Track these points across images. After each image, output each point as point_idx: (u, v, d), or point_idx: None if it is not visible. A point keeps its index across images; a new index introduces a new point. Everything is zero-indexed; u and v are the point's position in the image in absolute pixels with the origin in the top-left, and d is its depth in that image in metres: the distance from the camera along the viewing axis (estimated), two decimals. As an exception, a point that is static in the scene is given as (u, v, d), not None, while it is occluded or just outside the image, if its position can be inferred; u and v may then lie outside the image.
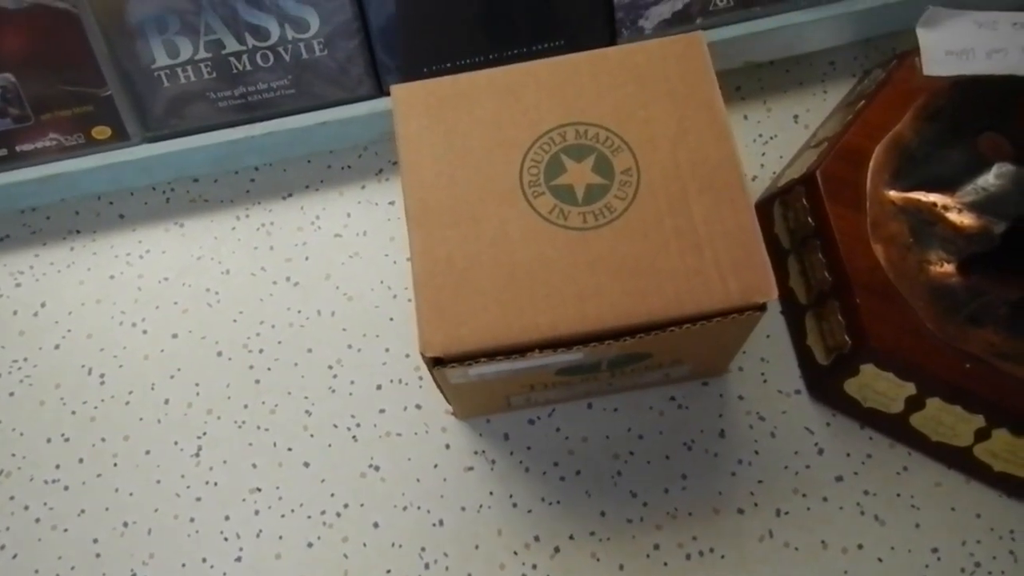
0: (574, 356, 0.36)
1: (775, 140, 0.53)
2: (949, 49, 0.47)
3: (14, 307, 0.51)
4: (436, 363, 0.35)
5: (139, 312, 0.51)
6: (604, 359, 0.38)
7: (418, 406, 0.47)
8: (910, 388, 0.42)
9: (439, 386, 0.40)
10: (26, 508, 0.46)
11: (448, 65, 0.49)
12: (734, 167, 0.37)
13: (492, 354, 0.35)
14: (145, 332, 0.50)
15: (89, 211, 0.53)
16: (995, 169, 0.42)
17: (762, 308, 0.35)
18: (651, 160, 0.37)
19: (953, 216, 0.43)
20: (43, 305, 0.51)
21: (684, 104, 0.37)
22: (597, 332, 0.35)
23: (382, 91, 0.50)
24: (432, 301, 0.35)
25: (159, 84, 0.49)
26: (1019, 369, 0.40)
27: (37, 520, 0.46)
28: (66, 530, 0.46)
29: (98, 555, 0.45)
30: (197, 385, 0.49)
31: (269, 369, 0.49)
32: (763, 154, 0.52)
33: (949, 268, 0.42)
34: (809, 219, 0.45)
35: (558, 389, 0.43)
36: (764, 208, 0.50)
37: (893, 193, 0.44)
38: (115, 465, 0.47)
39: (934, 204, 0.43)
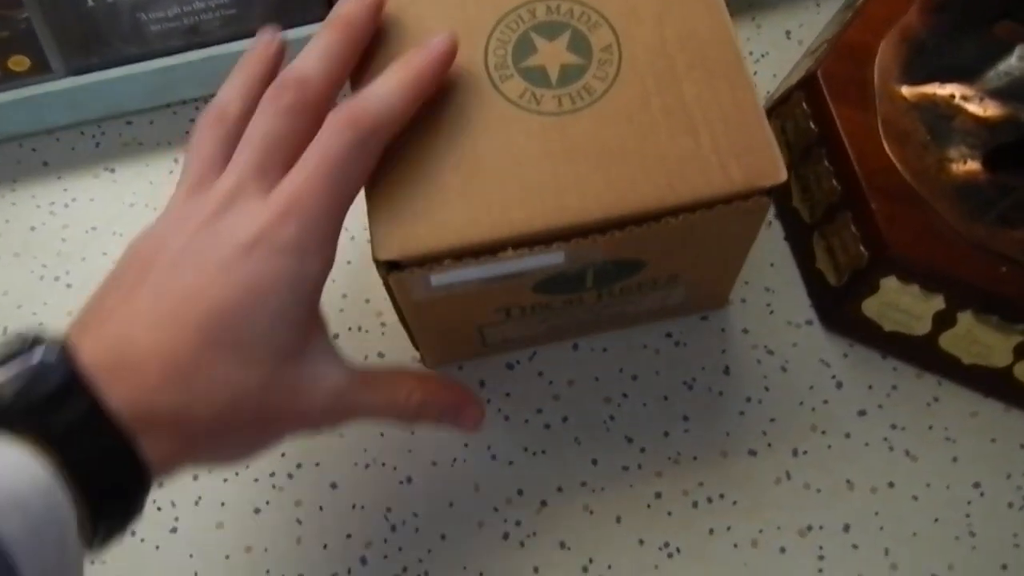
0: (554, 258, 0.31)
1: (767, 58, 0.48)
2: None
3: (-80, 264, 0.45)
4: (392, 268, 0.30)
5: (63, 265, 0.45)
6: (590, 268, 0.32)
7: (380, 354, 0.41)
8: (938, 302, 0.37)
9: (401, 316, 0.35)
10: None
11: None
12: (728, 40, 0.32)
13: (458, 255, 0.29)
14: (69, 286, 0.44)
15: (8, 158, 0.47)
16: (1019, 51, 0.38)
17: (769, 194, 0.30)
18: (633, 35, 0.32)
19: (974, 107, 0.38)
20: (-46, 260, 0.45)
21: None
22: (580, 226, 0.30)
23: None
24: (385, 197, 0.30)
25: (83, 4, 0.44)
26: (1061, 269, 0.36)
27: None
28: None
29: (8, 534, 0.38)
30: (128, 341, 0.43)
31: (211, 320, 0.43)
32: (755, 72, 0.48)
33: (973, 165, 0.38)
34: (812, 125, 0.41)
35: (538, 317, 0.37)
36: (760, 126, 0.45)
37: (904, 88, 0.39)
38: (31, 432, 0.41)
39: (951, 96, 0.39)
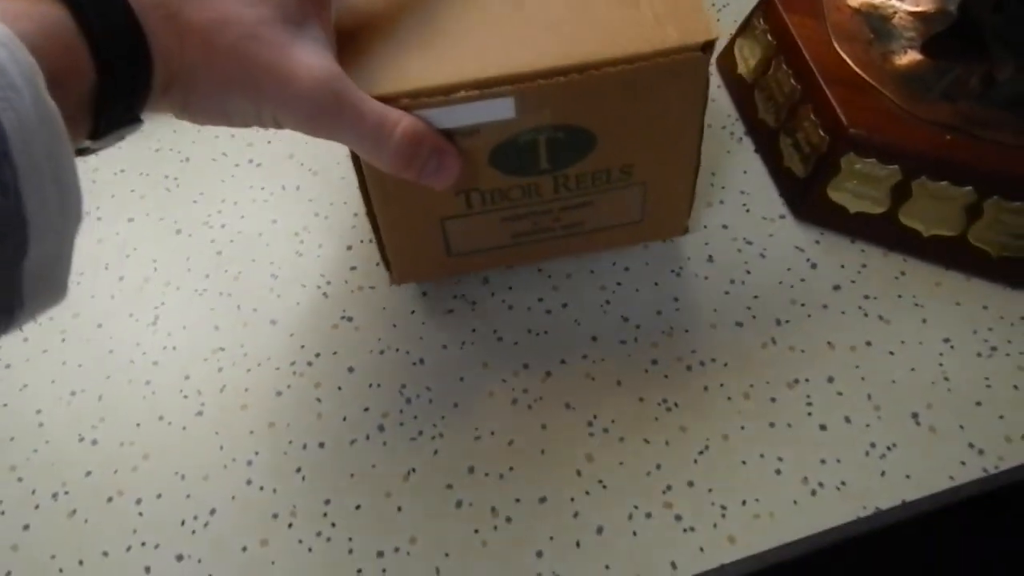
0: (504, 106, 0.32)
1: (728, 8, 0.54)
2: None
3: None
4: None
5: (93, 201, 0.48)
6: (541, 137, 0.34)
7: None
8: (895, 173, 0.41)
9: (370, 208, 0.37)
10: (-39, 389, 0.42)
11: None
12: None
13: (414, 96, 0.31)
14: (99, 219, 0.48)
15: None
16: (941, -43, 0.44)
17: (705, 50, 0.32)
18: None
19: (908, 5, 0.44)
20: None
21: None
22: (527, 74, 0.32)
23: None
24: (349, 51, 0.32)
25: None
26: (999, 135, 0.40)
27: (-27, 399, 0.42)
28: (5, 405, 0.41)
29: (41, 424, 0.40)
30: (154, 261, 0.46)
31: (231, 241, 0.46)
32: (718, 20, 0.53)
33: (913, 54, 0.43)
34: (769, 38, 0.46)
35: (499, 215, 0.37)
36: (726, 57, 0.50)
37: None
38: (63, 341, 0.43)
39: (888, 0, 0.44)
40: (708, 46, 0.32)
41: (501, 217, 0.38)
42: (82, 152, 0.26)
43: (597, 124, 0.34)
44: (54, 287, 0.25)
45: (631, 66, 0.32)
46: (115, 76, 0.25)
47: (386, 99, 0.31)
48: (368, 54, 0.32)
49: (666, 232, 0.43)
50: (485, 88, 0.32)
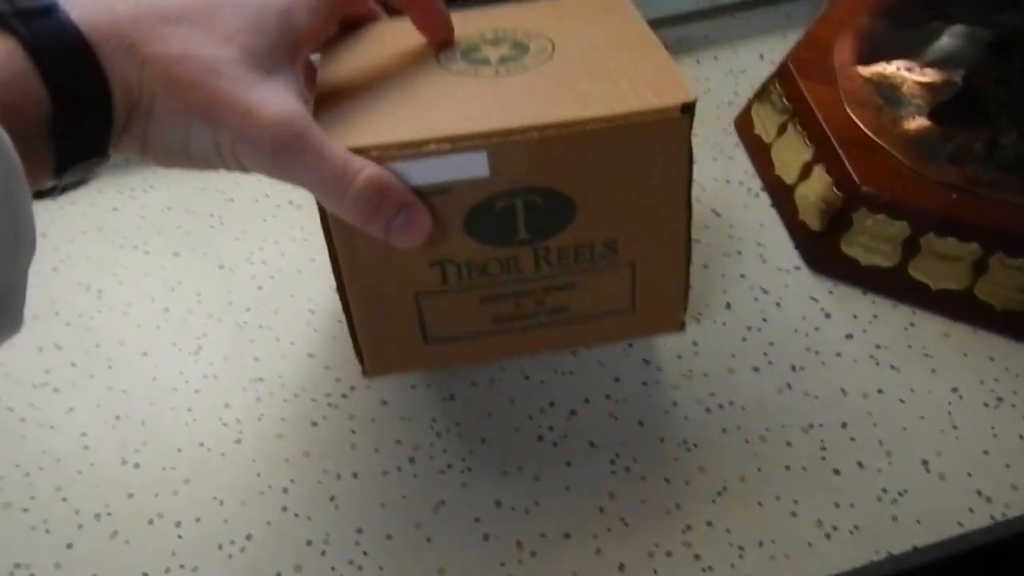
0: (478, 163, 0.31)
1: (745, 74, 0.57)
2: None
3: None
4: None
5: (141, 236, 0.51)
6: (519, 201, 0.32)
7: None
8: (904, 229, 0.43)
9: (339, 279, 0.35)
10: (10, 410, 0.44)
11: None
12: (648, 36, 0.35)
13: (385, 148, 0.30)
14: (147, 253, 0.50)
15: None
16: (948, 31, 0.47)
17: (684, 112, 0.31)
18: (567, 40, 0.36)
19: (917, 76, 0.47)
20: (43, 235, 0.51)
21: (598, 19, 0.37)
22: (502, 130, 0.31)
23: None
24: (325, 108, 0.33)
25: None
26: (1003, 195, 0.42)
27: (22, 420, 0.43)
28: (52, 427, 0.43)
29: (86, 447, 0.42)
30: (198, 294, 0.48)
31: (272, 277, 0.49)
32: (736, 84, 0.56)
33: (921, 120, 0.45)
34: (786, 102, 0.49)
35: (477, 292, 0.35)
36: (744, 119, 0.53)
37: (860, 68, 0.48)
38: (109, 367, 0.45)
39: (898, 70, 0.47)
40: (688, 108, 0.31)
41: (480, 297, 0.35)
42: (50, 192, 0.26)
43: (576, 189, 0.32)
44: (8, 318, 0.24)
45: (609, 124, 0.31)
46: (70, 103, 0.24)
47: (356, 151, 0.30)
48: (343, 111, 0.32)
49: (661, 326, 0.39)
50: (457, 143, 0.30)
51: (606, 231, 0.34)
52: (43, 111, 0.24)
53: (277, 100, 0.28)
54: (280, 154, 0.28)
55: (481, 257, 0.34)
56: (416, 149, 0.30)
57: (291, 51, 0.30)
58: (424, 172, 0.31)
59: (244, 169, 0.29)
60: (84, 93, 0.25)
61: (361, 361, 0.38)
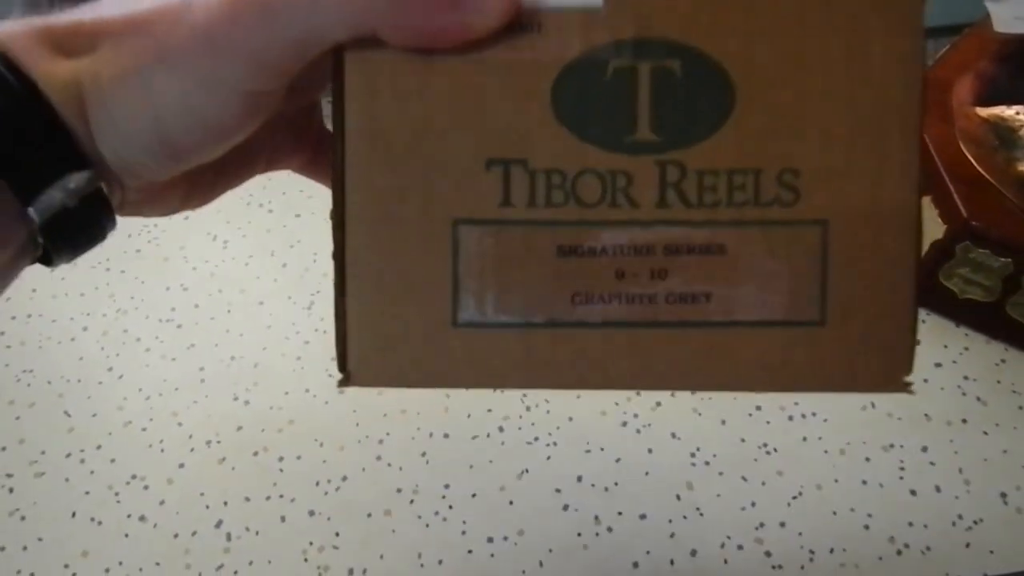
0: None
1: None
2: (1017, 15, 0.54)
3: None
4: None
5: (267, 196, 0.55)
6: (643, 66, 0.20)
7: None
8: (1007, 266, 0.44)
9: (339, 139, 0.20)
10: (138, 340, 0.48)
11: None
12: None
13: None
14: (271, 211, 0.54)
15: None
16: (1069, 80, 0.47)
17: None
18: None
19: (1034, 120, 0.47)
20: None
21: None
22: None
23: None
24: None
25: None
26: (1112, 243, 0.43)
27: (147, 350, 0.47)
28: (174, 359, 0.47)
29: (202, 380, 0.46)
30: (315, 254, 0.52)
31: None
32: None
33: (1035, 163, 0.46)
34: (897, 132, 0.50)
35: (560, 231, 0.20)
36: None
37: (978, 109, 0.49)
38: (228, 312, 0.49)
39: (1016, 113, 0.48)
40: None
41: (558, 244, 0.20)
42: (49, 253, 0.21)
43: (739, 62, 0.20)
44: None
45: None
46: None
47: None
48: None
49: (868, 373, 0.21)
50: None
51: (783, 149, 0.20)
52: None
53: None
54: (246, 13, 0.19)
55: (572, 161, 0.20)
56: None
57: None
58: None
59: (231, 119, 0.20)
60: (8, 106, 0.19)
61: (342, 361, 0.21)
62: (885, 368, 0.21)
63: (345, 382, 0.22)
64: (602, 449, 0.43)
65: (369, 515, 0.40)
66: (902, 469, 0.42)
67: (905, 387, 0.21)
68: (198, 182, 0.25)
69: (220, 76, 0.19)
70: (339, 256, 0.21)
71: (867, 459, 0.42)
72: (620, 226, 0.20)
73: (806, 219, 0.20)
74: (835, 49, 0.20)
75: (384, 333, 0.21)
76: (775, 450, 0.42)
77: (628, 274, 0.20)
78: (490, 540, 0.40)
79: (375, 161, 0.20)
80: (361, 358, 0.21)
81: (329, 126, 0.21)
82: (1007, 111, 0.48)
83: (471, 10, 0.19)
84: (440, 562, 0.39)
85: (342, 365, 0.22)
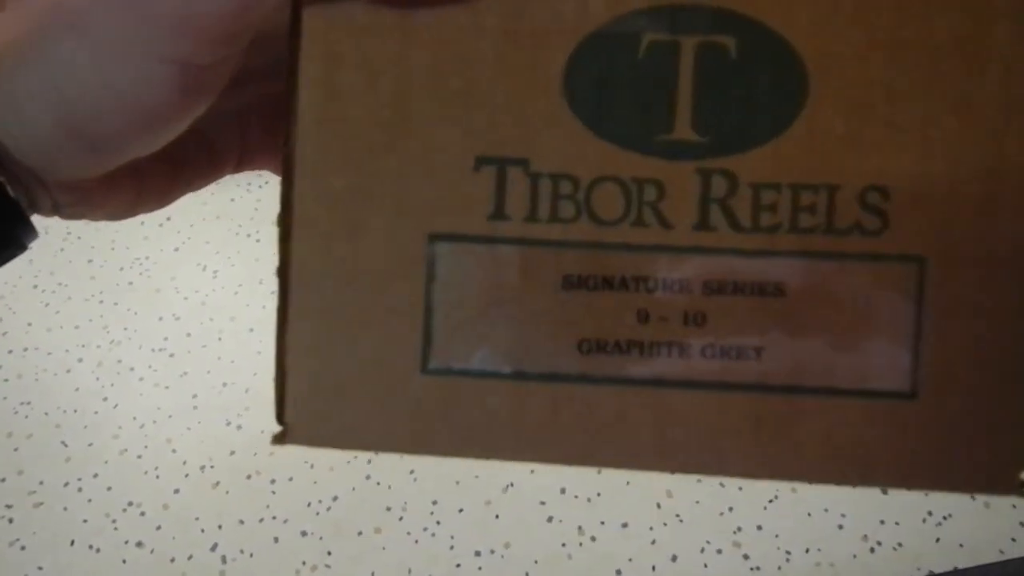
0: None
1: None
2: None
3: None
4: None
5: (254, 225, 0.56)
6: (688, 31, 0.15)
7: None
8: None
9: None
10: (131, 369, 0.49)
11: None
12: None
13: None
14: (258, 241, 0.55)
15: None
16: None
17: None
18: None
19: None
20: (168, 219, 0.57)
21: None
22: None
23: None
24: None
25: None
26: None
27: (141, 379, 0.49)
28: (167, 387, 0.48)
29: (195, 407, 0.47)
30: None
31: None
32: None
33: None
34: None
35: (569, 258, 0.15)
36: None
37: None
38: (219, 339, 0.50)
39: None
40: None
41: (564, 272, 0.16)
42: None
43: (815, 42, 0.15)
44: None
45: None
46: None
47: None
48: None
49: (975, 468, 0.16)
50: None
51: (869, 160, 0.15)
52: None
53: None
54: None
55: (587, 164, 0.16)
56: None
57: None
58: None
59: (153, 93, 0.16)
60: None
61: (280, 411, 0.17)
62: (993, 460, 0.16)
63: (280, 439, 0.16)
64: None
65: (360, 533, 0.42)
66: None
67: (1019, 488, 0.16)
68: (150, 181, 0.20)
69: (137, 41, 0.16)
70: (283, 275, 0.16)
71: (839, 461, 0.44)
72: (647, 252, 0.15)
73: (897, 253, 0.15)
74: (942, 31, 0.15)
75: (333, 378, 0.16)
76: (751, 456, 0.44)
77: (654, 317, 0.15)
78: (477, 553, 0.41)
79: (333, 154, 0.16)
80: (301, 408, 0.17)
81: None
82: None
83: None
84: None
85: (279, 415, 0.17)
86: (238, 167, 0.23)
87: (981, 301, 0.15)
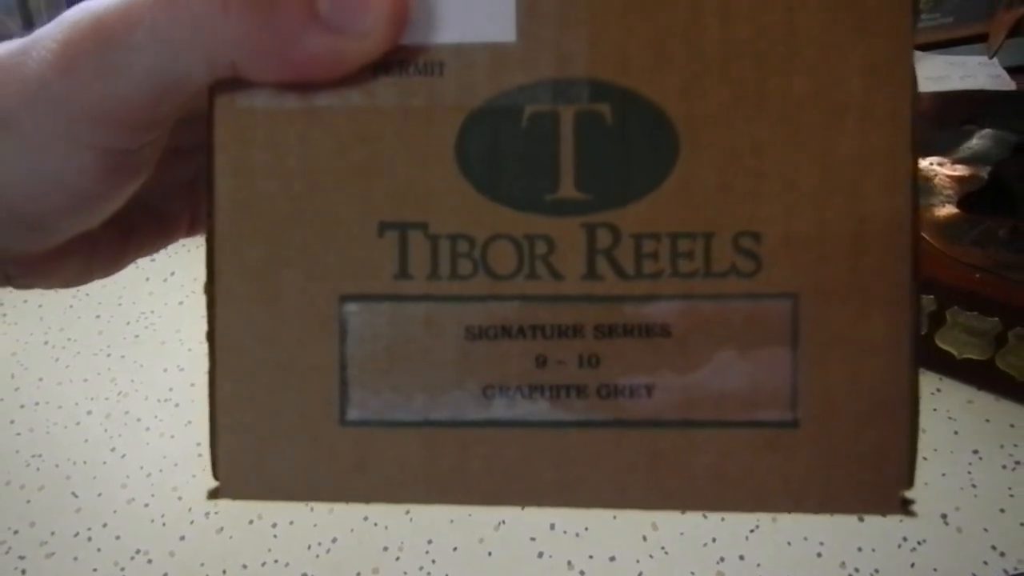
0: (501, 9, 0.16)
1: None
2: (927, 76, 0.59)
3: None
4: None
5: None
6: (567, 100, 0.16)
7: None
8: (931, 303, 0.48)
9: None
10: (138, 420, 0.51)
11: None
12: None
13: None
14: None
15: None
16: (978, 134, 0.52)
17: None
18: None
19: (947, 170, 0.52)
20: (172, 274, 0.59)
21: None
22: None
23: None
24: None
25: None
26: (1023, 276, 0.47)
27: (147, 429, 0.51)
28: (172, 436, 0.50)
29: (200, 455, 0.49)
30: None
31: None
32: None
33: (950, 208, 0.51)
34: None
35: (468, 309, 0.17)
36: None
37: (895, 160, 0.53)
38: (221, 389, 0.53)
39: (931, 164, 0.53)
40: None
41: (467, 324, 0.17)
42: None
43: (682, 104, 0.16)
44: None
45: None
46: None
47: None
48: None
49: (860, 490, 0.17)
50: None
51: (740, 208, 0.16)
52: None
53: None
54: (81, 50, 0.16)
55: (481, 225, 0.17)
56: None
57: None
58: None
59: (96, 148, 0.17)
60: None
61: (214, 467, 0.18)
62: (875, 482, 0.17)
63: (215, 494, 0.18)
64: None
65: (358, 574, 0.44)
66: (849, 498, 0.45)
67: (903, 507, 0.17)
68: (101, 248, 0.21)
69: (61, 134, 0.17)
70: (211, 339, 0.17)
71: (816, 490, 0.45)
72: (541, 303, 0.17)
73: (771, 292, 0.16)
74: (801, 84, 0.16)
75: (259, 434, 0.17)
76: (731, 487, 0.46)
77: (551, 361, 0.17)
78: (472, 589, 0.43)
79: (247, 228, 0.17)
80: (232, 464, 0.17)
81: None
82: (923, 162, 0.53)
83: (343, 30, 0.15)
84: (426, 612, 0.42)
85: (214, 471, 0.18)
86: (190, 231, 0.25)
87: (854, 334, 0.16)
